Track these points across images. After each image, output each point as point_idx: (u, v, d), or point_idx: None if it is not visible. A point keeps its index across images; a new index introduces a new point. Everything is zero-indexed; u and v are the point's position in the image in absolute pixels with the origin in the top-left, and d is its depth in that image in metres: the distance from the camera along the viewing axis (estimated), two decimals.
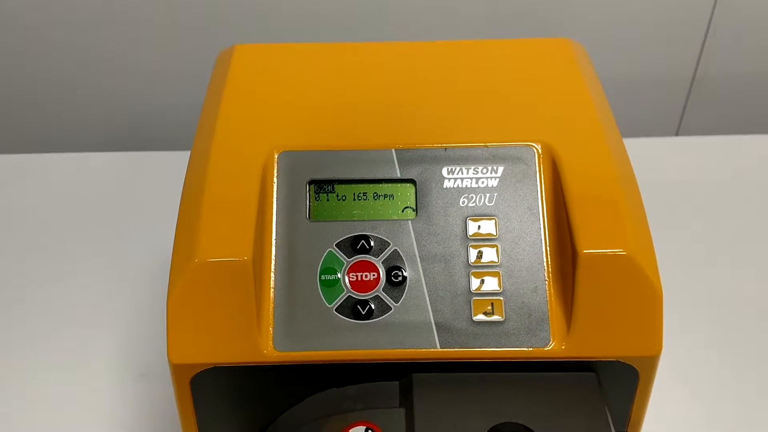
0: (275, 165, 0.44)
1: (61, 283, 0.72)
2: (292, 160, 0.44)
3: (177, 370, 0.41)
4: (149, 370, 0.65)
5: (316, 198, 0.44)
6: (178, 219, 0.43)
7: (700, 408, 0.62)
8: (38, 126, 0.93)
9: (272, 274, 0.42)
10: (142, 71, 0.88)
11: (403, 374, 0.43)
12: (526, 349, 0.41)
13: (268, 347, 0.41)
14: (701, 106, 0.94)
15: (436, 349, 0.41)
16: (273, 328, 0.41)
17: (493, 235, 0.43)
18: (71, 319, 0.69)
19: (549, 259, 0.43)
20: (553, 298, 0.42)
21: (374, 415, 0.41)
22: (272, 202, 0.43)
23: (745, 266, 0.73)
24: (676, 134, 0.97)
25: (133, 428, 0.61)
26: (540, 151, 0.44)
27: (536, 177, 0.44)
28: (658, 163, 0.82)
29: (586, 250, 0.41)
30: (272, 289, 0.42)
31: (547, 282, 0.42)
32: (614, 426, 0.42)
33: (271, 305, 0.42)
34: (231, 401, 0.44)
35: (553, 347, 0.41)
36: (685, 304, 0.69)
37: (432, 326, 0.42)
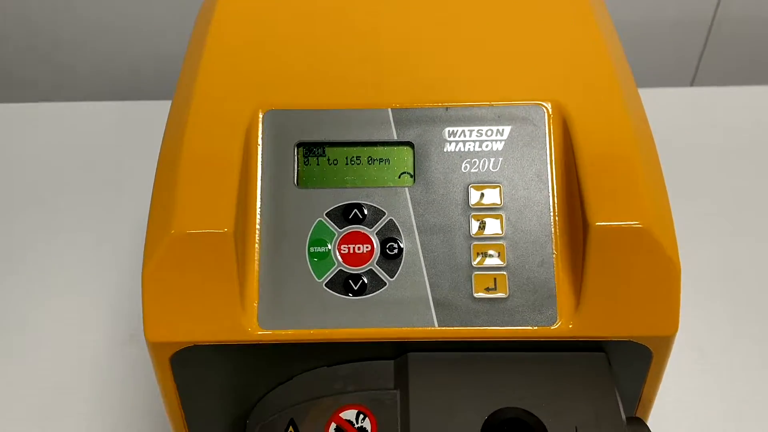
0: (260, 125, 0.42)
1: (51, 241, 0.71)
2: (279, 120, 0.42)
3: (155, 348, 0.40)
4: (139, 331, 0.64)
5: (305, 162, 0.42)
6: (153, 185, 0.40)
7: (713, 384, 0.61)
8: (24, 76, 0.91)
9: (257, 246, 0.40)
10: (128, 17, 0.85)
11: (398, 354, 0.41)
12: (531, 327, 0.40)
13: (252, 324, 0.39)
14: (719, 52, 0.90)
15: (433, 328, 0.40)
16: (258, 304, 0.40)
17: (497, 204, 0.41)
18: (62, 278, 0.68)
19: (557, 231, 0.40)
20: (561, 274, 0.40)
21: (367, 397, 0.40)
22: (257, 166, 0.41)
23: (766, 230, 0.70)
24: (692, 84, 0.93)
25: (124, 390, 0.61)
26: (550, 110, 0.42)
27: (546, 140, 0.42)
28: (672, 114, 0.79)
29: (598, 222, 0.38)
30: (257, 263, 0.40)
31: (555, 256, 0.40)
32: (624, 408, 0.40)
33: (256, 280, 0.40)
34: (214, 381, 0.43)
35: (560, 326, 0.40)
36: (701, 273, 0.67)
37: (430, 303, 0.40)
